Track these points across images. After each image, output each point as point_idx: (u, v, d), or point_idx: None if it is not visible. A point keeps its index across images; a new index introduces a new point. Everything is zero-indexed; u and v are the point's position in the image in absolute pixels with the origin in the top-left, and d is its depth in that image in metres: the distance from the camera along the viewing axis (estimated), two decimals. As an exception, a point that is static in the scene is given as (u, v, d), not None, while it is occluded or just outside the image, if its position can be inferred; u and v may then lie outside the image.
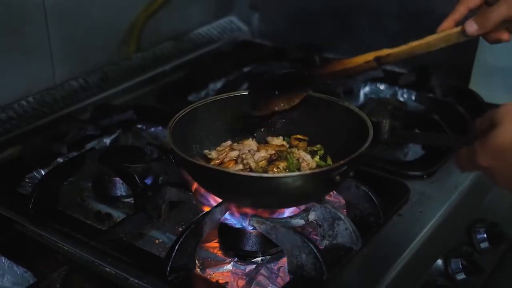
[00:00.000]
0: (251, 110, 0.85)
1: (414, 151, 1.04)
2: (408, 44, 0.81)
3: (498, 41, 0.80)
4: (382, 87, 1.26)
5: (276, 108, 0.85)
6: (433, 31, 1.32)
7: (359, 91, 1.25)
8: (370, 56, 0.82)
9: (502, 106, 0.61)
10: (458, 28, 0.80)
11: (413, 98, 1.20)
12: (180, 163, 0.87)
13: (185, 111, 0.87)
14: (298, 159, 0.85)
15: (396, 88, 1.24)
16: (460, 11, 0.80)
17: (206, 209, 0.81)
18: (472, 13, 0.81)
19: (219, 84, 1.27)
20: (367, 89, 1.26)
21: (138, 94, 1.26)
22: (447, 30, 0.80)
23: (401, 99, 1.21)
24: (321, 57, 1.36)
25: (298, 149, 0.87)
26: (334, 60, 0.84)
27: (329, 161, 0.87)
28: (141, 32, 1.31)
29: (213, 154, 0.88)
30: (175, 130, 0.83)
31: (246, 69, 1.34)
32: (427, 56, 1.26)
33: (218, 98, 0.92)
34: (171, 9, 1.35)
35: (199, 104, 0.89)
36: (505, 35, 0.80)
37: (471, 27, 0.78)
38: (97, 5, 1.19)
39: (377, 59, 0.81)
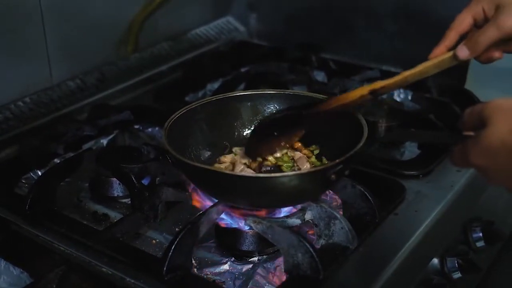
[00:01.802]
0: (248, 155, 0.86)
1: (410, 150, 1.05)
2: (401, 73, 0.82)
3: (490, 60, 0.82)
4: (378, 87, 1.26)
5: (277, 149, 0.86)
6: (431, 31, 1.32)
7: (356, 91, 1.25)
8: (364, 90, 0.82)
9: (490, 103, 0.61)
10: (450, 53, 0.81)
11: (410, 98, 1.20)
12: (176, 164, 0.87)
13: (181, 111, 0.87)
14: (292, 158, 0.85)
15: (393, 88, 1.24)
16: (451, 37, 0.82)
17: (203, 209, 0.81)
18: (463, 38, 0.82)
19: (216, 85, 1.27)
20: (364, 89, 1.26)
21: (135, 94, 1.26)
22: (439, 56, 0.82)
23: (398, 99, 1.21)
24: (318, 58, 1.36)
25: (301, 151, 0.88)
26: (330, 97, 0.85)
27: (325, 161, 0.87)
28: (139, 32, 1.31)
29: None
30: (171, 131, 0.83)
31: (243, 70, 1.35)
32: (423, 55, 1.26)
33: (215, 99, 0.92)
34: (168, 10, 1.35)
35: (195, 105, 0.90)
36: (496, 54, 0.81)
37: (462, 52, 0.79)
38: (94, 5, 1.20)
39: (372, 92, 0.81)
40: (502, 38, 0.78)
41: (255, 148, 0.87)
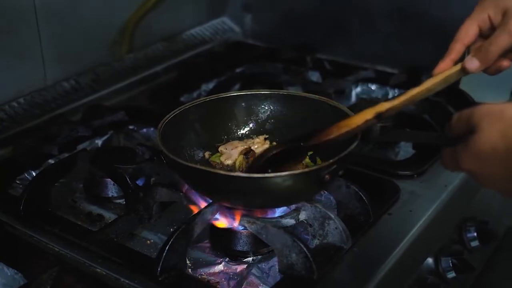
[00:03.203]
0: None
1: (405, 150, 1.05)
2: (407, 93, 0.75)
3: (499, 70, 0.77)
4: (373, 87, 1.27)
5: None
6: (425, 32, 1.33)
7: (350, 91, 1.26)
8: (369, 114, 0.74)
9: (478, 108, 0.60)
10: (457, 67, 0.76)
11: (404, 98, 1.20)
12: (170, 165, 0.87)
13: (176, 112, 0.87)
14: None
15: (387, 88, 1.25)
16: (457, 49, 0.77)
17: (197, 209, 0.81)
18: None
19: (211, 85, 1.28)
20: (358, 89, 1.27)
21: (130, 95, 1.26)
22: (445, 71, 0.77)
23: (392, 99, 1.22)
24: (313, 58, 1.37)
25: None
26: (329, 127, 0.77)
27: (319, 161, 0.87)
28: (133, 32, 1.31)
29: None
30: (165, 131, 0.83)
31: (238, 70, 1.35)
32: (418, 56, 1.27)
33: (210, 99, 0.92)
34: (163, 10, 1.35)
35: (190, 105, 0.89)
36: (505, 63, 0.76)
37: (473, 64, 0.74)
38: (89, 6, 1.19)
39: (378, 115, 0.74)
40: None
41: None
